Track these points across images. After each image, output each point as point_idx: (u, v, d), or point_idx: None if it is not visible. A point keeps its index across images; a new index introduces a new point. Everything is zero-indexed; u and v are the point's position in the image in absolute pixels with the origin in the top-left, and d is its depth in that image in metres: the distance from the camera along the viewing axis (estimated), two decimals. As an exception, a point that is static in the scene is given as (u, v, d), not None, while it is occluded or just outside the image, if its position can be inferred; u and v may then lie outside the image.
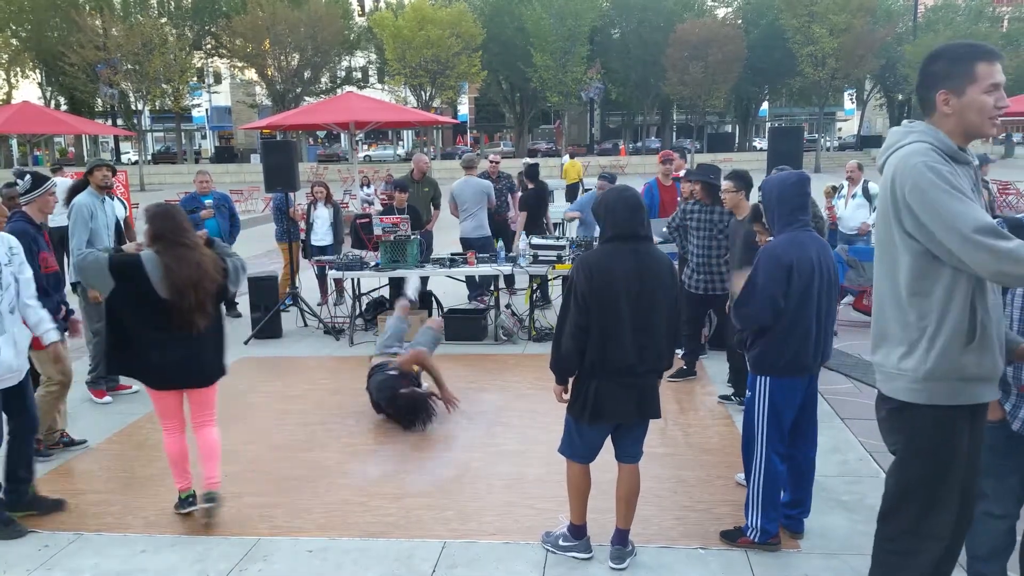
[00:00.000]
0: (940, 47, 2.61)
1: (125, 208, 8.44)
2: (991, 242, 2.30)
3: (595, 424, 3.68)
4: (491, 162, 10.52)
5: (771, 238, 3.88)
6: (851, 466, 4.89)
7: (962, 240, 2.34)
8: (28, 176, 5.28)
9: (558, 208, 12.67)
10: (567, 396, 3.76)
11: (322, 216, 9.61)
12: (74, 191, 6.18)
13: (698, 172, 6.69)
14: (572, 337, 3.58)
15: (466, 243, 9.27)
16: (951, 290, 2.47)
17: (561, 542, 3.91)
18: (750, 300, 3.70)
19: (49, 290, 5.17)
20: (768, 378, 3.80)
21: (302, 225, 9.73)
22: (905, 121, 2.67)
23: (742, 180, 5.56)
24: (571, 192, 20.43)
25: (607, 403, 3.61)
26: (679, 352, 7.21)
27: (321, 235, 9.59)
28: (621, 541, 3.83)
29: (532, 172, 10.08)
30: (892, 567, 2.72)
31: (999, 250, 2.29)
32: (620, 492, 3.82)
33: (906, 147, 2.54)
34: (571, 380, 3.73)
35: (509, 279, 9.32)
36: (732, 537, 3.97)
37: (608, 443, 3.82)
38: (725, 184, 5.65)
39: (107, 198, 6.47)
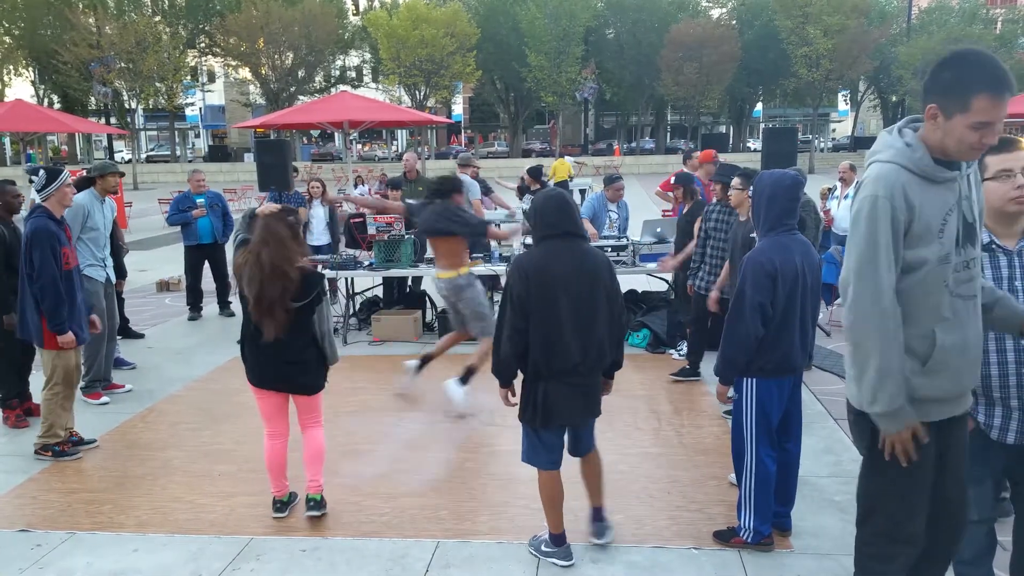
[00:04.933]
0: (958, 55, 2.38)
1: (115, 207, 8.42)
2: (867, 305, 2.47)
3: (547, 427, 3.69)
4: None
5: (753, 235, 3.89)
6: (844, 466, 4.90)
7: (853, 278, 2.52)
8: (41, 172, 5.20)
9: None
10: (514, 399, 3.78)
11: (318, 216, 9.57)
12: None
13: (719, 173, 6.52)
14: (510, 340, 3.57)
15: None
16: (906, 314, 2.47)
17: (543, 547, 3.91)
18: (741, 315, 3.70)
19: (74, 293, 5.14)
20: (755, 379, 3.81)
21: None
22: (896, 124, 2.61)
23: (750, 180, 5.41)
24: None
25: (556, 405, 3.62)
26: (680, 352, 7.21)
27: (317, 235, 9.55)
28: (599, 517, 3.97)
29: (536, 172, 10.56)
30: (870, 571, 2.73)
31: (861, 307, 2.48)
32: (586, 475, 3.94)
33: (877, 165, 2.49)
34: (519, 383, 3.74)
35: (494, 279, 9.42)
36: (725, 537, 3.98)
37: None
38: (734, 182, 5.55)
39: (106, 198, 6.61)
